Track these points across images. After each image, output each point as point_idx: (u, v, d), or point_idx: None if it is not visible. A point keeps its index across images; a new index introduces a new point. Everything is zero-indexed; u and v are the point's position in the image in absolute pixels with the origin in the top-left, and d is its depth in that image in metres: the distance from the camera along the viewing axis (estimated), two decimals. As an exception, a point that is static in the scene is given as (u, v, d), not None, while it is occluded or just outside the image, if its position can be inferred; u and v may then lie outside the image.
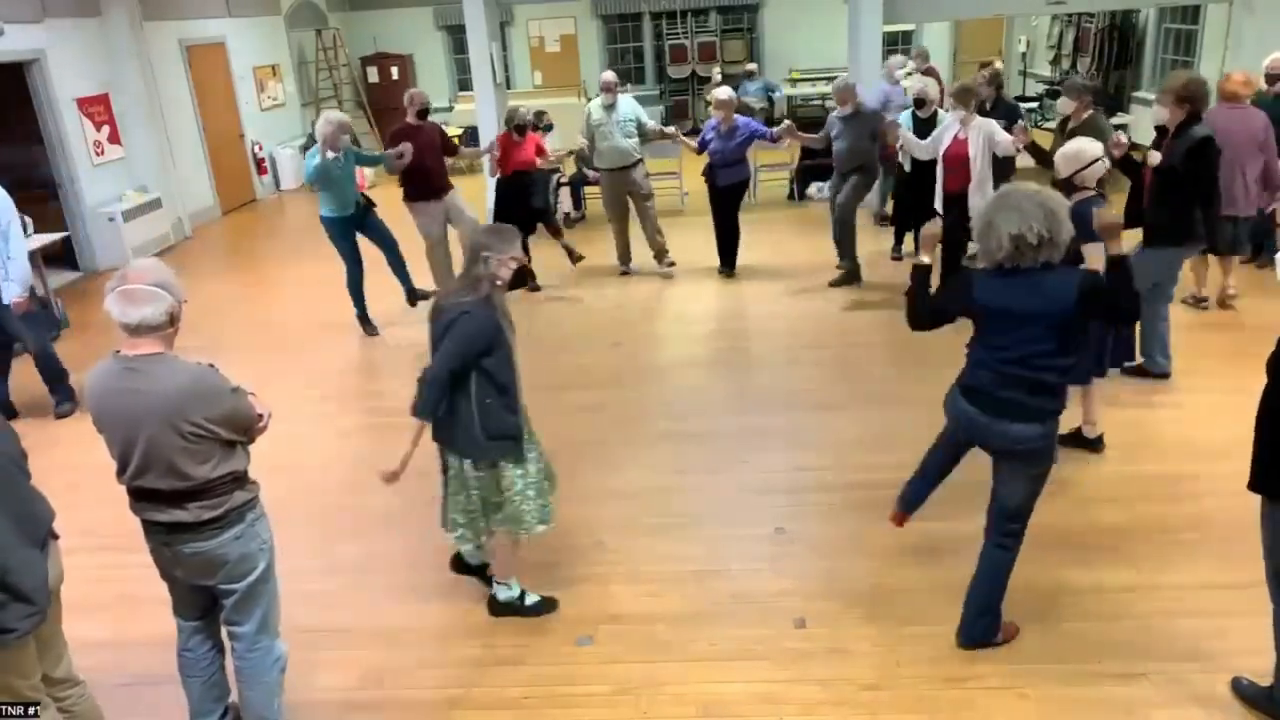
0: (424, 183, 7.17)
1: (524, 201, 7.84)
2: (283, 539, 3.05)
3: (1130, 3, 10.69)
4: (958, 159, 6.25)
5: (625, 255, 8.32)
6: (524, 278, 3.52)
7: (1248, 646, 3.28)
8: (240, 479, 2.73)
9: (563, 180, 10.03)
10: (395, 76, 15.56)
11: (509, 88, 12.06)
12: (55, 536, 2.67)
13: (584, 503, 4.43)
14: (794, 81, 15.26)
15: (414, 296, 7.17)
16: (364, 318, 7.06)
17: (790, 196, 10.48)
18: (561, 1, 14.49)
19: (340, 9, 15.51)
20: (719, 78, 14.99)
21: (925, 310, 3.26)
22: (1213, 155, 4.89)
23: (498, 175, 7.66)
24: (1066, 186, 4.25)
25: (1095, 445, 4.70)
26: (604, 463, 4.89)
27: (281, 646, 2.97)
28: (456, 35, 15.02)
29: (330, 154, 6.23)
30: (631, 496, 4.53)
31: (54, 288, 7.97)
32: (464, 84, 15.64)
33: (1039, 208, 2.85)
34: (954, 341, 3.37)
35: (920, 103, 7.37)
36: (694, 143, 7.86)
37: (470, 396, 3.28)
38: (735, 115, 7.59)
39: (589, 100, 9.61)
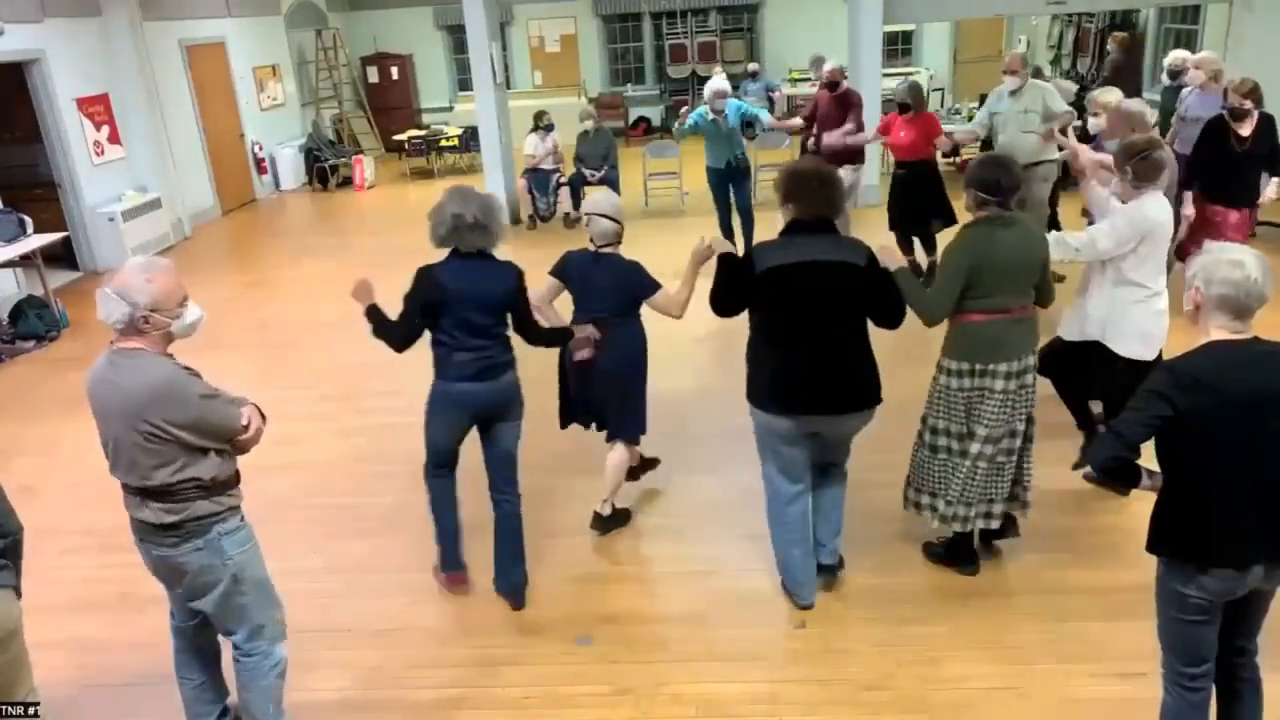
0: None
1: (915, 195, 6.83)
2: (283, 539, 3.06)
3: (1130, 3, 10.69)
4: None
5: None
6: None
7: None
8: (206, 488, 2.63)
9: (562, 180, 10.03)
10: (395, 76, 15.58)
11: (509, 88, 12.07)
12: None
13: (584, 502, 4.42)
14: (794, 81, 15.25)
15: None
16: None
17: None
18: (561, 1, 14.50)
19: (340, 9, 15.51)
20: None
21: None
22: None
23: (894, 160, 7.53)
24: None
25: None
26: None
27: (281, 652, 2.94)
28: (456, 35, 15.03)
29: (709, 113, 7.50)
30: (632, 496, 4.53)
31: (54, 288, 7.96)
32: (464, 84, 15.65)
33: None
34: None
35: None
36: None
37: None
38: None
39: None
